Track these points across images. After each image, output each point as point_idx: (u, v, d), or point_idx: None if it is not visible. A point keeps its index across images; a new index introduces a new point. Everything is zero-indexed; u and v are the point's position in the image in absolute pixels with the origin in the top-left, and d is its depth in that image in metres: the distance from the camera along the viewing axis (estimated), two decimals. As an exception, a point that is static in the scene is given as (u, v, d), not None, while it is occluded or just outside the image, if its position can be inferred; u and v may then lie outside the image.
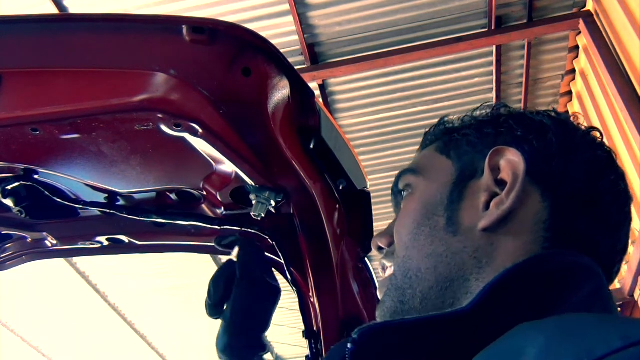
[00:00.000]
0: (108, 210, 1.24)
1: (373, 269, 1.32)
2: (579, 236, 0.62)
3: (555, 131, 0.66)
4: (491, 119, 0.72)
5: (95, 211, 1.30)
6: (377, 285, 0.74)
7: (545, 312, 0.51)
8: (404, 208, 0.73)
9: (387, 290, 0.69)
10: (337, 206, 1.21)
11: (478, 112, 0.75)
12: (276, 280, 1.13)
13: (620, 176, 0.66)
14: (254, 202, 1.12)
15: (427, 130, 0.80)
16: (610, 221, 0.64)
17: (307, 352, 1.25)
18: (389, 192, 0.83)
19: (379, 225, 0.91)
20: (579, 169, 0.64)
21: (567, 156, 0.65)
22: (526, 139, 0.66)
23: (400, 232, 0.70)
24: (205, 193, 1.21)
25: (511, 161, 0.64)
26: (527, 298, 0.54)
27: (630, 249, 4.20)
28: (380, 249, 0.76)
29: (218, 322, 1.08)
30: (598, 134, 0.69)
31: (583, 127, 0.69)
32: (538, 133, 0.66)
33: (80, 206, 1.27)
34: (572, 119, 0.70)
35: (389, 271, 0.71)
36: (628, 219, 0.66)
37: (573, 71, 4.70)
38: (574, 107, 4.89)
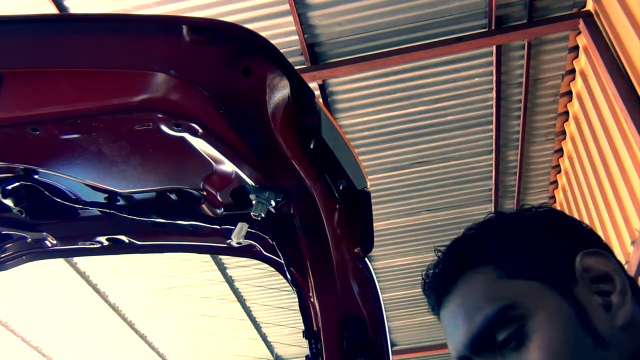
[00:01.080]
0: (108, 210, 1.24)
1: (373, 269, 1.32)
2: None
3: (594, 235, 0.79)
4: (545, 225, 0.78)
5: (95, 211, 1.30)
6: None
7: None
8: (535, 349, 0.71)
9: None
10: (337, 206, 1.21)
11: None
12: None
13: None
14: (254, 202, 1.12)
15: (450, 250, 0.81)
16: None
17: (307, 352, 1.25)
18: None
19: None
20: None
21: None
22: (592, 244, 0.76)
23: None
24: (205, 193, 1.21)
25: (602, 262, 0.73)
26: None
27: (630, 249, 4.19)
28: None
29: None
30: None
31: None
32: (591, 237, 0.78)
33: (80, 206, 1.27)
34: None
35: None
36: None
37: (573, 71, 4.69)
38: (574, 107, 4.89)
